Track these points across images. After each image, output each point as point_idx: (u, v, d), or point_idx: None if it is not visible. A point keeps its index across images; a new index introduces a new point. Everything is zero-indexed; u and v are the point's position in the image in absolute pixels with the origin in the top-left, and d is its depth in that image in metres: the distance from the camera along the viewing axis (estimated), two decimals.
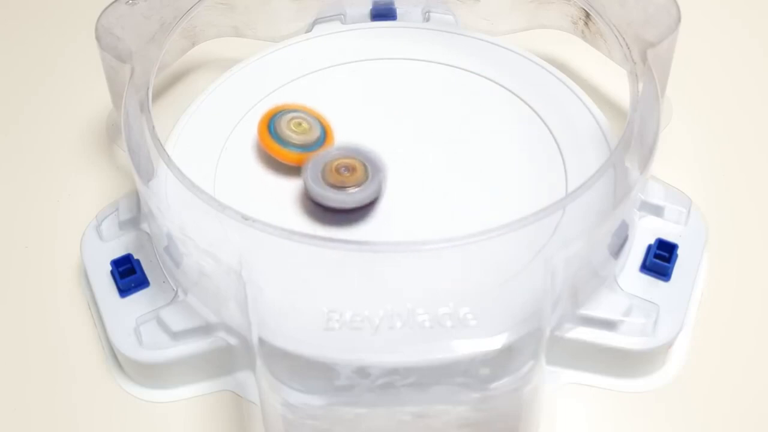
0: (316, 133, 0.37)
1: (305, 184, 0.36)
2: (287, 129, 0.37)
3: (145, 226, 0.37)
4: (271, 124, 0.37)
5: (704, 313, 0.37)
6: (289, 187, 0.37)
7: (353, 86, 0.41)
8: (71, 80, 0.46)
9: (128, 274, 0.35)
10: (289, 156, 0.37)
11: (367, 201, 0.36)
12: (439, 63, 0.42)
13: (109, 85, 0.39)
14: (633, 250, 0.36)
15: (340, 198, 0.35)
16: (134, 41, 0.38)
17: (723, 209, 0.40)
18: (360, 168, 0.36)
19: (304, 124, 0.37)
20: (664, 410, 0.34)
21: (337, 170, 0.36)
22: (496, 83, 0.41)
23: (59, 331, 0.37)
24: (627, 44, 0.37)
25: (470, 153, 0.38)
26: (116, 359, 0.36)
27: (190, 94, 0.42)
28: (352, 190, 0.35)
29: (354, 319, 0.31)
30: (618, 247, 0.35)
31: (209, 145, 0.39)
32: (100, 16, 0.38)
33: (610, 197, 0.34)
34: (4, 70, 0.47)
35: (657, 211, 0.37)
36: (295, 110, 0.38)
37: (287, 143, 0.37)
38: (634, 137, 0.34)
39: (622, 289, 0.35)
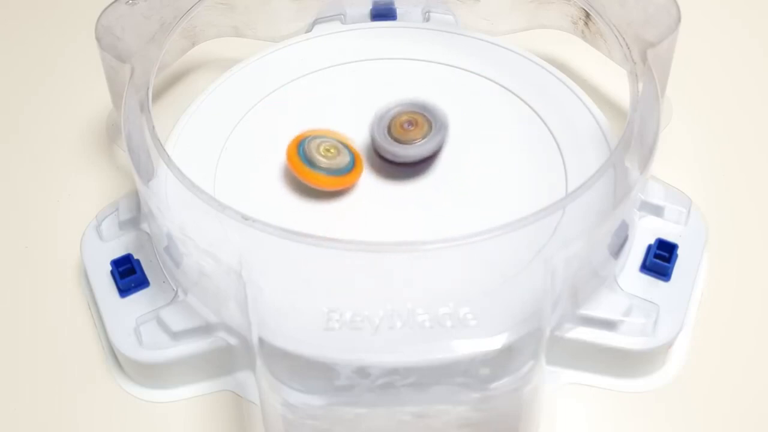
0: (345, 158, 0.37)
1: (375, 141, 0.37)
2: (317, 153, 0.37)
3: (145, 226, 0.37)
4: (300, 148, 0.37)
5: (704, 313, 0.37)
6: (290, 187, 0.37)
7: (353, 86, 0.41)
8: (71, 80, 0.46)
9: (128, 274, 0.35)
10: (319, 180, 0.37)
11: (430, 153, 0.37)
12: (439, 63, 0.42)
13: (109, 85, 0.39)
14: (633, 250, 0.36)
15: (409, 152, 0.37)
16: (134, 41, 0.38)
17: (723, 209, 0.40)
18: (422, 121, 0.37)
19: (333, 150, 0.37)
20: (664, 410, 0.34)
21: (402, 125, 0.37)
22: (496, 83, 0.41)
23: (59, 331, 0.37)
24: (627, 44, 0.37)
25: (470, 153, 0.38)
26: (116, 359, 0.36)
27: (190, 94, 0.42)
28: (418, 143, 0.37)
29: (354, 319, 0.31)
30: (618, 247, 0.35)
31: (209, 145, 0.39)
32: (100, 16, 0.38)
33: (610, 197, 0.34)
34: (4, 70, 0.47)
35: (657, 211, 0.37)
36: (323, 136, 0.37)
37: (317, 167, 0.37)
38: (634, 137, 0.34)
39: (622, 289, 0.35)
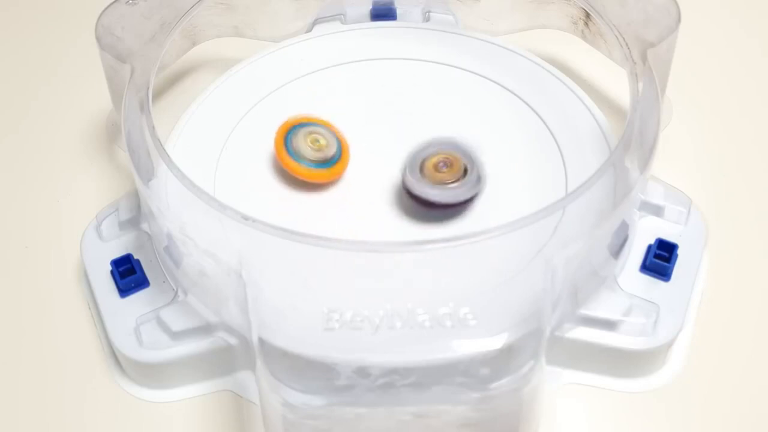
0: (332, 149, 0.37)
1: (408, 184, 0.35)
2: (304, 144, 0.37)
3: (145, 226, 0.37)
4: (287, 138, 0.37)
5: (704, 313, 0.37)
6: (290, 187, 0.37)
7: (353, 86, 0.41)
8: (72, 80, 0.46)
9: (128, 274, 0.35)
10: (302, 172, 0.37)
11: (468, 196, 0.36)
12: (439, 63, 0.42)
13: (109, 85, 0.39)
14: (633, 250, 0.36)
15: (445, 194, 0.35)
16: (134, 41, 0.38)
17: (723, 209, 0.40)
18: (457, 162, 0.35)
19: (322, 141, 0.37)
20: (664, 410, 0.34)
21: (436, 167, 0.35)
22: (496, 83, 0.41)
23: (59, 331, 0.37)
24: (627, 44, 0.37)
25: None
26: (116, 359, 0.36)
27: (190, 94, 0.42)
28: (451, 186, 0.35)
29: (354, 319, 0.31)
30: (618, 247, 0.35)
31: (209, 145, 0.39)
32: (100, 16, 0.38)
33: (610, 197, 0.34)
34: (4, 70, 0.47)
35: (657, 211, 0.37)
36: (312, 123, 0.37)
37: (302, 159, 0.37)
38: (634, 137, 0.34)
39: (622, 289, 0.35)
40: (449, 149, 0.36)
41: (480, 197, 0.36)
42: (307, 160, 0.37)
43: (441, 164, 0.35)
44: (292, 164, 0.37)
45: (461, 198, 0.35)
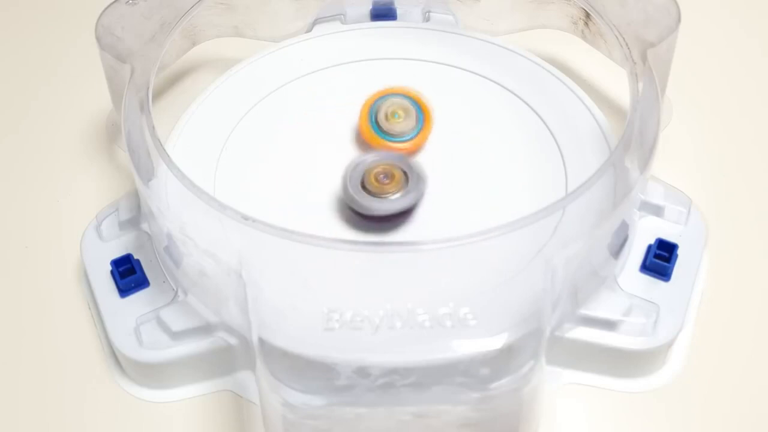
0: (411, 122, 0.38)
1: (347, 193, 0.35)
2: (383, 118, 0.37)
3: (145, 226, 0.37)
4: (372, 110, 0.38)
5: (704, 313, 0.37)
6: (290, 187, 0.37)
7: (353, 86, 0.41)
8: (72, 80, 0.46)
9: (128, 274, 0.35)
10: (385, 145, 0.37)
11: (408, 206, 0.36)
12: (439, 63, 0.42)
13: (109, 85, 0.39)
14: (633, 250, 0.36)
15: (383, 206, 0.35)
16: (134, 41, 0.38)
17: (723, 209, 0.40)
18: (399, 175, 0.36)
19: (401, 112, 0.38)
20: (664, 410, 0.34)
21: (377, 178, 0.36)
22: (496, 83, 0.41)
23: (59, 331, 0.37)
24: (627, 44, 0.37)
25: (470, 153, 0.38)
26: (116, 359, 0.36)
27: (190, 94, 0.42)
28: (393, 197, 0.35)
29: (354, 319, 0.31)
30: (618, 247, 0.35)
31: (209, 145, 0.39)
32: (100, 16, 0.38)
33: (610, 197, 0.34)
34: (4, 70, 0.47)
35: (657, 211, 0.37)
36: (396, 94, 0.38)
37: (381, 132, 0.37)
38: (634, 137, 0.34)
39: (622, 289, 0.35)
40: (385, 159, 0.36)
41: (431, 199, 0.36)
42: (386, 133, 0.37)
43: (382, 176, 0.36)
44: (372, 137, 0.37)
45: (407, 206, 0.36)
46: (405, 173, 0.36)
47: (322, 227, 0.36)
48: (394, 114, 0.38)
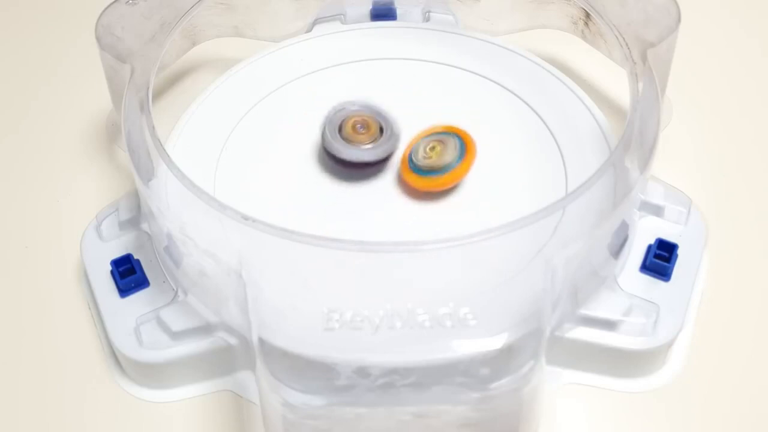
0: (452, 153, 0.37)
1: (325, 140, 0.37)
2: (421, 155, 0.37)
3: (145, 226, 0.37)
4: (410, 155, 0.37)
5: (704, 313, 0.37)
6: (290, 187, 0.37)
7: (353, 86, 0.41)
8: (72, 80, 0.46)
9: (128, 274, 0.35)
10: (429, 184, 0.37)
11: (380, 157, 0.37)
12: (439, 63, 0.42)
13: (109, 85, 0.39)
14: (633, 250, 0.36)
15: (356, 153, 0.37)
16: (134, 41, 0.38)
17: (723, 209, 0.40)
18: (374, 125, 0.37)
19: (438, 146, 0.37)
20: (664, 410, 0.35)
21: (354, 127, 0.37)
22: (496, 83, 0.41)
23: (59, 331, 0.37)
24: (627, 44, 0.37)
25: None
26: (116, 359, 0.36)
27: (190, 94, 0.42)
28: (366, 146, 0.37)
29: (354, 319, 0.31)
30: (618, 247, 0.35)
31: (209, 145, 0.39)
32: (100, 16, 0.38)
33: (610, 197, 0.34)
34: (4, 70, 0.47)
35: (657, 211, 0.37)
36: (431, 135, 0.37)
37: (419, 170, 0.37)
38: (634, 137, 0.34)
39: (622, 289, 0.35)
40: (365, 111, 0.38)
41: (397, 154, 0.38)
42: (423, 170, 0.37)
43: (359, 126, 0.37)
44: (413, 179, 0.37)
45: (380, 157, 0.37)
46: (381, 128, 0.37)
47: (322, 227, 0.36)
48: (433, 147, 0.37)
